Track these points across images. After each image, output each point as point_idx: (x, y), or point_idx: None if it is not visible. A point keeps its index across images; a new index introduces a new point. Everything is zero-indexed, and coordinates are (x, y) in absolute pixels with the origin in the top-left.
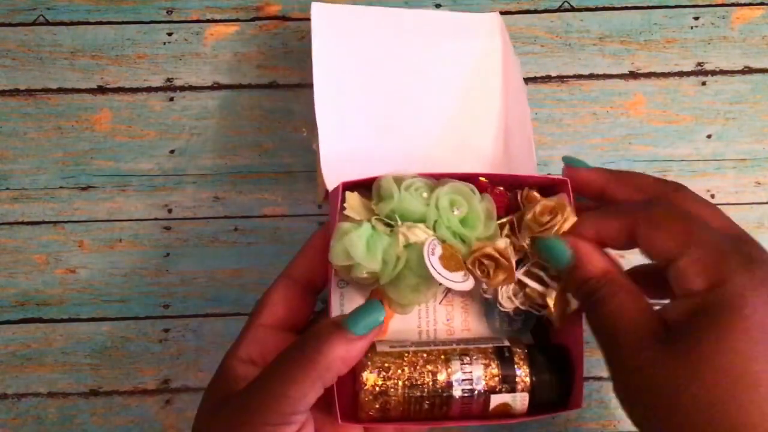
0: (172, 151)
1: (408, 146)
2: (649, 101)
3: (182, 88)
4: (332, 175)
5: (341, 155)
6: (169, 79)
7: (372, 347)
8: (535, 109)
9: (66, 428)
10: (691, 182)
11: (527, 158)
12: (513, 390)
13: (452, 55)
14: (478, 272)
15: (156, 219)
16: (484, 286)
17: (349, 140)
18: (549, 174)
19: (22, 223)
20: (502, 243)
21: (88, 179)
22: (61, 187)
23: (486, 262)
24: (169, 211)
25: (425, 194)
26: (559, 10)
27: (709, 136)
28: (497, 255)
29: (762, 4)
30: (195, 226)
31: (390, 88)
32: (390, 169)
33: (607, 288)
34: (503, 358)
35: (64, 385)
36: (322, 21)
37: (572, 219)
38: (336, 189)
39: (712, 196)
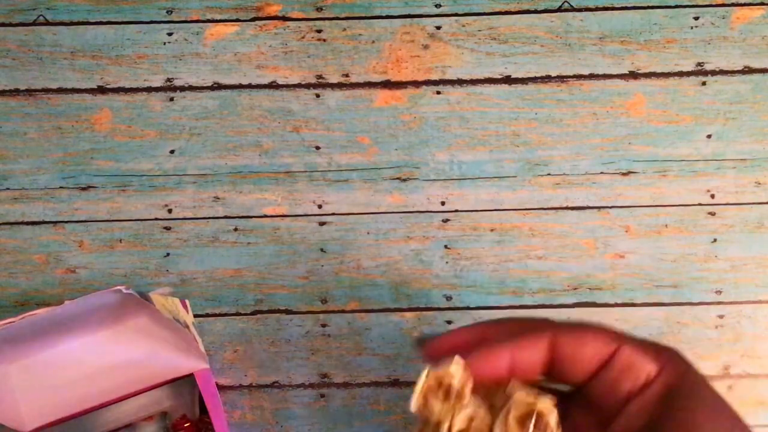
0: (172, 151)
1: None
2: (649, 101)
3: (182, 88)
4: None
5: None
6: (169, 79)
7: None
8: (535, 109)
9: None
10: (691, 182)
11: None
12: None
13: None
14: None
15: (156, 219)
16: None
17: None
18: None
19: (22, 223)
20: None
21: (88, 179)
22: (61, 187)
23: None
24: (169, 211)
25: None
26: (559, 10)
27: (709, 136)
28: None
29: (762, 4)
30: (195, 226)
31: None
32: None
33: None
34: None
35: None
36: None
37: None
38: None
39: (712, 196)
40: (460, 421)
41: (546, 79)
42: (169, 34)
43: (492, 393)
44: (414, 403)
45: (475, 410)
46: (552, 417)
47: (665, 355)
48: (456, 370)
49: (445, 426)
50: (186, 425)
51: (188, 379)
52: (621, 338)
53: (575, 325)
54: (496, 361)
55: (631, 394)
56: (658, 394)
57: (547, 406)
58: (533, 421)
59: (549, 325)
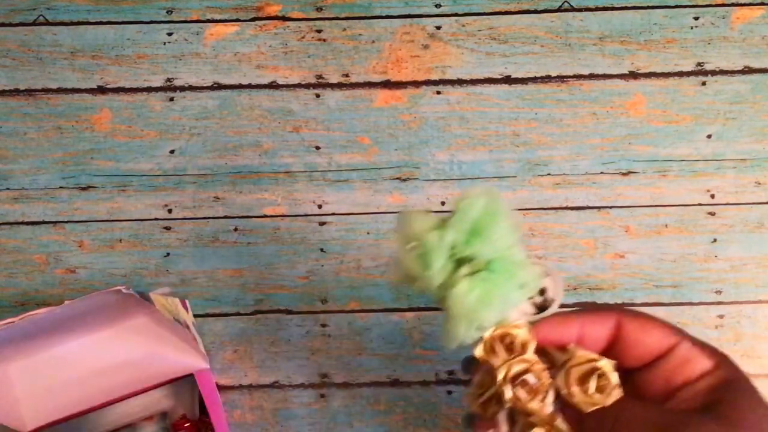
0: (172, 151)
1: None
2: (649, 101)
3: (182, 88)
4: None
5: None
6: (169, 79)
7: None
8: (535, 109)
9: None
10: (691, 182)
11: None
12: None
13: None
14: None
15: (156, 219)
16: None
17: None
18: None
19: (22, 223)
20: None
21: (88, 179)
22: (61, 187)
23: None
24: (169, 211)
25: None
26: (559, 10)
27: (709, 136)
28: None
29: (762, 4)
30: (195, 226)
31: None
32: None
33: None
34: None
35: None
36: None
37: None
38: None
39: (712, 196)
40: (516, 368)
41: (546, 79)
42: (169, 34)
43: (552, 356)
44: (479, 349)
45: (533, 361)
46: (614, 375)
47: (720, 355)
48: (521, 330)
49: (502, 373)
50: (186, 425)
51: (188, 379)
52: (681, 334)
53: (641, 314)
54: (566, 329)
55: (685, 384)
56: (712, 385)
57: (609, 364)
58: (595, 377)
59: (618, 309)
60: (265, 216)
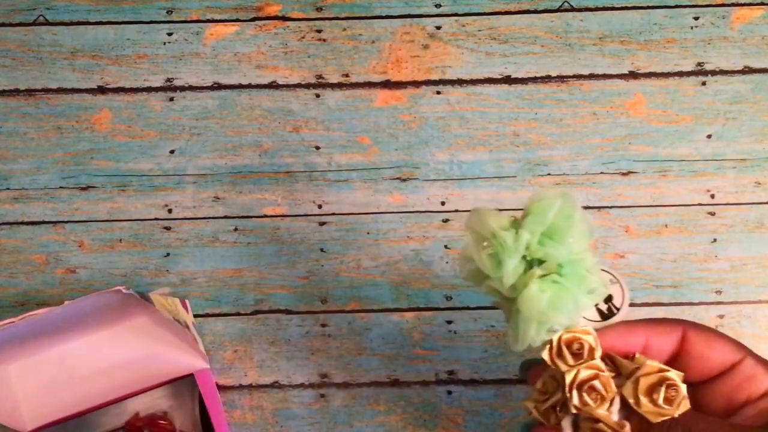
0: (172, 151)
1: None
2: (649, 101)
3: (182, 88)
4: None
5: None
6: (169, 79)
7: None
8: (535, 109)
9: None
10: (691, 182)
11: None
12: None
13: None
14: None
15: (156, 219)
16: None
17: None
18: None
19: (22, 223)
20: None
21: (88, 179)
22: (61, 187)
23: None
24: (169, 211)
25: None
26: (559, 10)
27: (709, 136)
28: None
29: (762, 4)
30: (195, 226)
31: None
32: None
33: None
34: None
35: None
36: None
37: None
38: None
39: (712, 197)
40: (584, 373)
41: (546, 79)
42: (169, 34)
43: (618, 364)
44: (547, 353)
45: (601, 368)
46: (683, 387)
47: None
48: (590, 336)
49: (570, 377)
50: (138, 425)
51: (188, 379)
52: (745, 350)
53: (707, 328)
54: (632, 338)
55: (748, 401)
56: None
57: (678, 375)
58: (664, 388)
59: (684, 321)
60: (265, 216)
